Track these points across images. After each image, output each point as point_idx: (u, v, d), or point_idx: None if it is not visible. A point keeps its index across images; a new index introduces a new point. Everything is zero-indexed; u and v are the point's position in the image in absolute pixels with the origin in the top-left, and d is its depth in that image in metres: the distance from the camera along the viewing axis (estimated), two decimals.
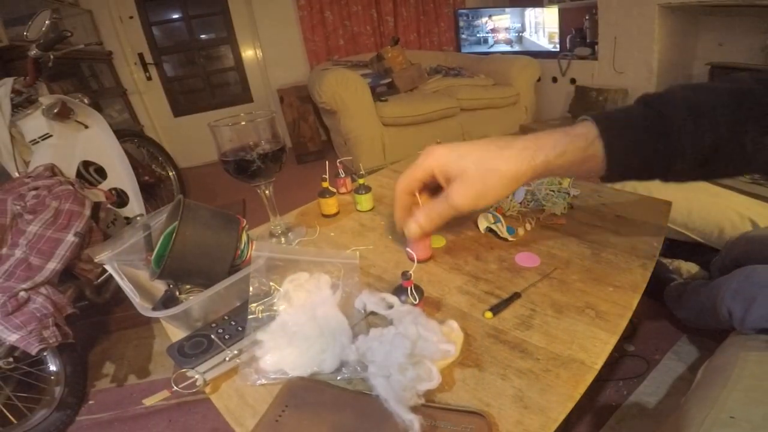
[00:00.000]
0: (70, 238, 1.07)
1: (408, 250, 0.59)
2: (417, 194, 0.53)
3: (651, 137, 0.41)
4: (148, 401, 0.46)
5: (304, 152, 3.06)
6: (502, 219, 0.73)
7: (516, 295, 0.56)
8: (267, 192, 0.70)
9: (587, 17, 2.78)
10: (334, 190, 0.86)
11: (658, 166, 0.42)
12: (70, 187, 1.17)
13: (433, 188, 0.53)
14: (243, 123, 0.65)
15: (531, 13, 3.12)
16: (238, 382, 0.47)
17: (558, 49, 3.02)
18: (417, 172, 0.51)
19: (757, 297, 0.68)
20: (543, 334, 0.50)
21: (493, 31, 3.36)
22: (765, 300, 0.67)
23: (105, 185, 1.52)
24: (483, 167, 0.45)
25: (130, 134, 2.07)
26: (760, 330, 0.67)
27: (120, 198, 1.55)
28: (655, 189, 0.85)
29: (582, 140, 0.42)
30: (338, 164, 0.97)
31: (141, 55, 3.04)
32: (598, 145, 0.41)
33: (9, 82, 1.32)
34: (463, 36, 3.50)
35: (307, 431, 0.39)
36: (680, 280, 1.11)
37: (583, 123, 0.43)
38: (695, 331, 1.06)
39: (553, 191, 0.83)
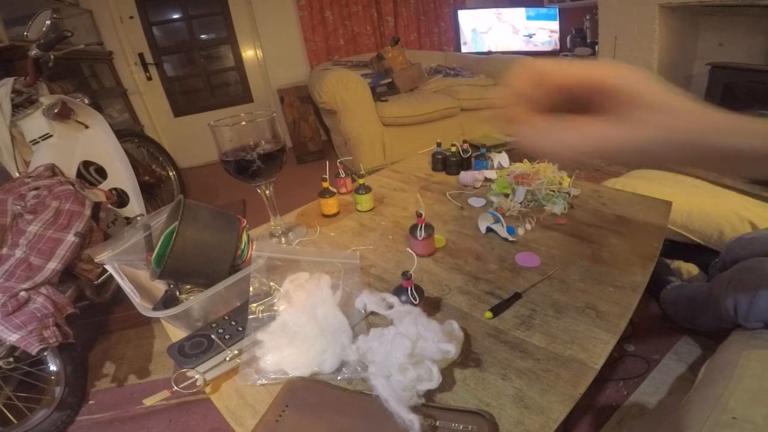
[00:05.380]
0: (71, 238, 1.07)
1: (409, 250, 0.58)
2: None
3: None
4: (148, 401, 0.46)
5: (304, 152, 3.06)
6: (502, 219, 0.73)
7: (516, 295, 0.56)
8: (267, 192, 0.70)
9: (587, 17, 2.78)
10: (335, 190, 0.86)
11: None
12: (71, 187, 1.17)
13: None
14: (243, 123, 0.65)
15: (531, 13, 3.11)
16: (238, 382, 0.47)
17: (558, 49, 3.02)
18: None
19: (763, 288, 0.66)
20: (543, 334, 0.50)
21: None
22: None
23: (105, 185, 1.51)
24: None
25: (130, 134, 2.07)
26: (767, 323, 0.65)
27: (120, 198, 1.54)
28: (656, 189, 0.85)
29: None
30: (338, 164, 0.97)
31: (141, 55, 3.04)
32: None
33: (9, 82, 1.32)
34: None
35: (307, 431, 0.39)
36: (677, 282, 1.11)
37: None
38: (695, 331, 1.06)
39: (553, 191, 0.83)
